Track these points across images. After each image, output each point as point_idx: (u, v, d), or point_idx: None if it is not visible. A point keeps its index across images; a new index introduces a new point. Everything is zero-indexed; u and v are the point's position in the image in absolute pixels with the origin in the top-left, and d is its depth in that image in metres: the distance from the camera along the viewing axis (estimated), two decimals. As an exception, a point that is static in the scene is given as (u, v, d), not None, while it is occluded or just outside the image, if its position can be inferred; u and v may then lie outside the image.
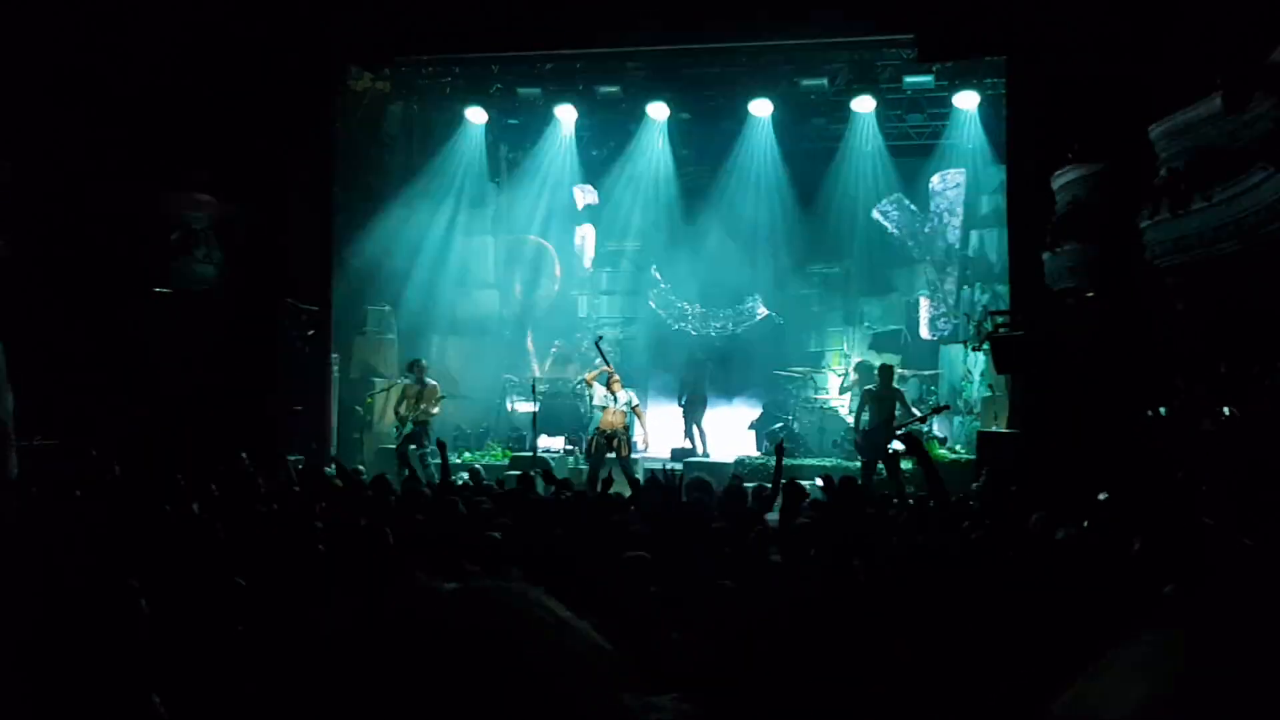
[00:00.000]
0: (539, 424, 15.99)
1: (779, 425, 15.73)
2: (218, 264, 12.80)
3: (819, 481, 12.38)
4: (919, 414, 13.46)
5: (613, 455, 13.09)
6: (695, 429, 15.71)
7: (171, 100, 12.23)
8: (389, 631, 0.89)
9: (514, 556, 4.17)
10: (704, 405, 15.93)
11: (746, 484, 9.05)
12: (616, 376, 13.68)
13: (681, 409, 15.98)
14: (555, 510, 6.74)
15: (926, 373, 16.95)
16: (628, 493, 8.34)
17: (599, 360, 14.45)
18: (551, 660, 0.87)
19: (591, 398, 14.31)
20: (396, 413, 13.81)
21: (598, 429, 13.57)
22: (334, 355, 14.01)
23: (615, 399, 13.27)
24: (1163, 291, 9.80)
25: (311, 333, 13.15)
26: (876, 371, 13.97)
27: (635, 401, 13.82)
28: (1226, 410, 8.26)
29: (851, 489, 8.25)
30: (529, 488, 8.74)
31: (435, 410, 13.63)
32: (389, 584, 0.97)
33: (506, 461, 14.45)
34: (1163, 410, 9.49)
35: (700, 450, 15.45)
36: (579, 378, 14.85)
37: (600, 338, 15.75)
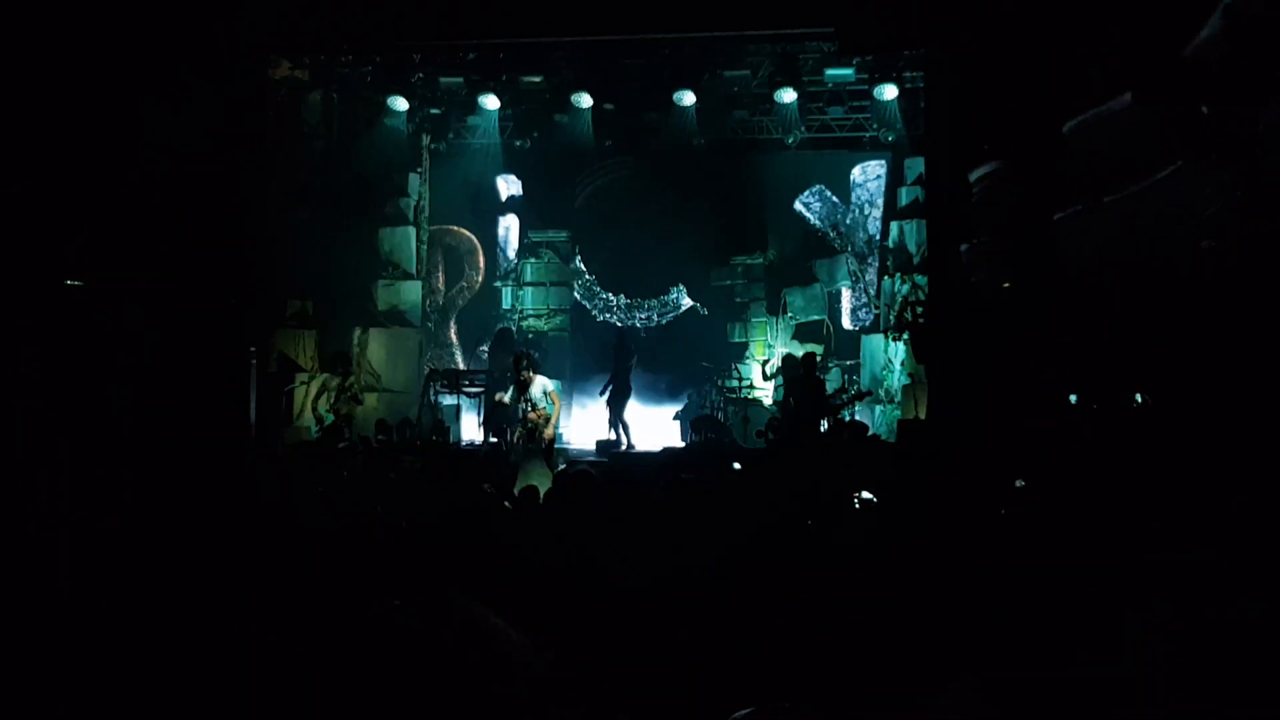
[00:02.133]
0: (464, 416, 15.92)
1: (704, 414, 15.82)
2: (131, 257, 12.47)
3: (736, 465, 12.50)
4: (840, 401, 13.62)
5: (534, 446, 13.03)
6: (620, 421, 15.72)
7: (79, 88, 11.87)
8: (334, 647, 0.87)
9: (452, 566, 4.12)
10: (627, 397, 15.93)
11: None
12: (523, 378, 13.47)
13: (606, 401, 15.97)
14: (484, 512, 6.67)
15: (848, 362, 17.20)
16: (547, 486, 8.30)
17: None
18: (498, 679, 0.86)
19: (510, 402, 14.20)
20: (315, 407, 13.60)
21: (519, 422, 13.52)
22: (251, 349, 13.74)
23: (529, 401, 13.09)
24: (1076, 282, 10.03)
25: (227, 326, 12.91)
26: (793, 361, 14.18)
27: (549, 388, 13.67)
28: (1139, 398, 8.48)
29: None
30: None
31: (360, 403, 13.48)
32: (332, 600, 0.95)
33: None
34: (1073, 399, 9.72)
35: (625, 443, 15.46)
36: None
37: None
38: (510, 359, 14.24)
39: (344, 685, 0.84)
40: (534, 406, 12.97)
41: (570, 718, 0.91)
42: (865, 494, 9.69)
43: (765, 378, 16.73)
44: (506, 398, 13.14)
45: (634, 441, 15.54)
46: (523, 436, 13.18)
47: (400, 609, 0.91)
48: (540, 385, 13.20)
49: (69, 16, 11.61)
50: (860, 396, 14.49)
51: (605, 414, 15.95)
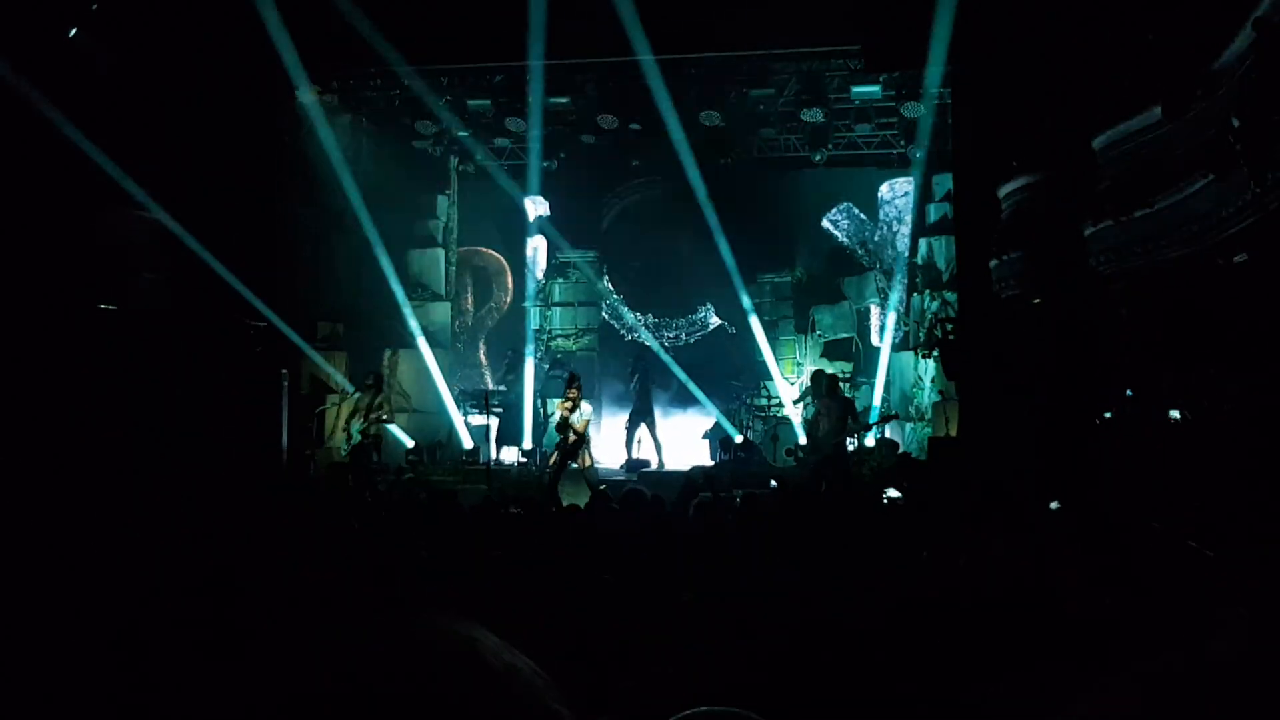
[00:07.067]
0: (494, 436, 15.94)
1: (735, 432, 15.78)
2: (164, 281, 12.60)
3: (774, 483, 12.46)
4: (865, 423, 13.59)
5: (575, 465, 12.97)
6: (636, 439, 15.71)
7: (114, 116, 12.01)
8: (329, 671, 0.86)
9: (455, 585, 4.10)
10: (649, 415, 15.87)
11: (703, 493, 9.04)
12: (573, 395, 13.47)
13: (627, 421, 16.01)
14: (503, 530, 6.65)
15: (878, 380, 17.13)
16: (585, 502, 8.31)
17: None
18: (497, 703, 0.86)
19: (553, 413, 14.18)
20: (348, 426, 13.63)
21: (559, 441, 13.45)
22: (283, 370, 13.82)
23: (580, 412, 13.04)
24: (1107, 297, 9.94)
25: (260, 349, 13.00)
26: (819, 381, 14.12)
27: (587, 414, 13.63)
28: (1175, 414, 8.39)
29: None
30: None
31: (388, 421, 13.51)
32: (329, 621, 0.95)
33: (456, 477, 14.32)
34: (1108, 415, 9.62)
35: (657, 461, 15.40)
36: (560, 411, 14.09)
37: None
38: (553, 376, 14.23)
39: (327, 699, 0.84)
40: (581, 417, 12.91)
41: None
42: (892, 492, 9.62)
43: (796, 403, 16.67)
44: (572, 418, 12.91)
45: (664, 460, 15.50)
46: (558, 459, 13.10)
47: (391, 624, 0.90)
48: (583, 408, 13.08)
49: (95, 53, 11.76)
50: (889, 418, 14.44)
51: (623, 433, 15.98)
